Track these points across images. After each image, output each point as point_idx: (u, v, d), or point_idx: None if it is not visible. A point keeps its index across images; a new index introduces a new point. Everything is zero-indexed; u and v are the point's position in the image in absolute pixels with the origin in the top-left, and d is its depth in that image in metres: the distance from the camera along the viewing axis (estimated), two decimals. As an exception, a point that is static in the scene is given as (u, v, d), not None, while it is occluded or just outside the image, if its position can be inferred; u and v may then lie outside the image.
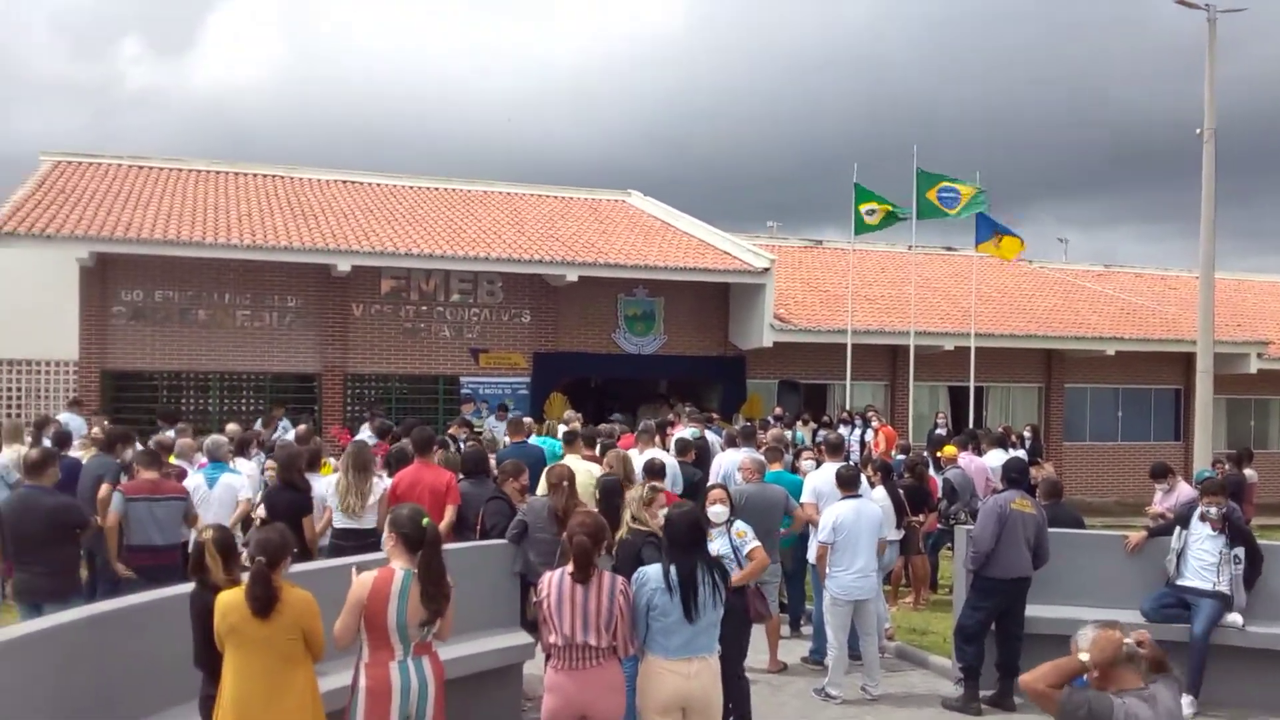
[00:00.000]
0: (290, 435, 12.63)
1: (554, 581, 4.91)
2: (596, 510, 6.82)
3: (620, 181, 23.36)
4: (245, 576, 4.54)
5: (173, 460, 9.07)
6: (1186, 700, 7.51)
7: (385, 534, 4.97)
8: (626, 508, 7.04)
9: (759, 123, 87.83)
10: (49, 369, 18.93)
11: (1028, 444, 16.78)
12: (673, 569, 4.97)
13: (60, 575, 6.91)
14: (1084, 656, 3.52)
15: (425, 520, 4.81)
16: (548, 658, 5.07)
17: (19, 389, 18.93)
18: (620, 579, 5.00)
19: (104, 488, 7.86)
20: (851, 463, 9.75)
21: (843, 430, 14.95)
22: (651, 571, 5.04)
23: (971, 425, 17.80)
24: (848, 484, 8.23)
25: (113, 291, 16.91)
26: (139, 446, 9.15)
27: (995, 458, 12.49)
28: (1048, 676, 3.54)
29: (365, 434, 11.74)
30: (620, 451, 8.79)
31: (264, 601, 4.40)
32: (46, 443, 9.11)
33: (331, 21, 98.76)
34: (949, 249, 27.13)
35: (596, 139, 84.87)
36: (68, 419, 13.13)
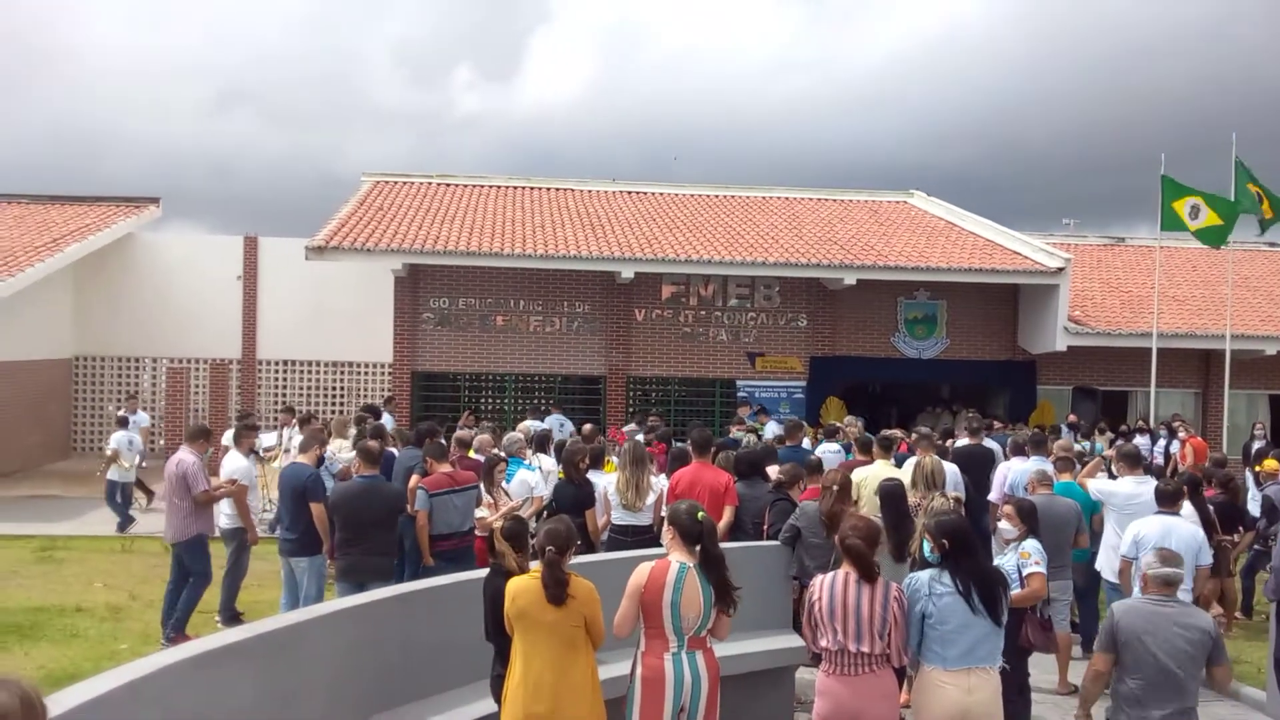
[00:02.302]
0: (566, 429, 13.50)
1: (826, 586, 4.91)
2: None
3: (910, 183, 22.85)
4: (533, 565, 4.85)
5: (471, 455, 9.79)
6: None
7: (664, 528, 5.15)
8: (922, 515, 6.91)
9: (1063, 114, 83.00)
10: (367, 370, 20.90)
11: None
12: (965, 573, 4.82)
13: (388, 556, 7.67)
14: None
15: (701, 514, 4.95)
16: (818, 660, 5.08)
17: (342, 388, 21.00)
18: (895, 585, 4.93)
19: (414, 479, 8.59)
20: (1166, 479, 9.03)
21: (1140, 441, 13.90)
22: (924, 577, 4.93)
23: (1297, 438, 16.09)
24: (1166, 500, 7.65)
25: (423, 299, 18.40)
26: (442, 440, 9.88)
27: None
28: None
29: (636, 434, 12.14)
30: (932, 459, 8.59)
31: (558, 589, 4.68)
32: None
33: (640, 36, 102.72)
34: (1272, 244, 24.62)
35: (884, 139, 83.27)
36: (384, 417, 14.44)
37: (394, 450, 10.36)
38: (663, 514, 8.02)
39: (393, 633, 5.34)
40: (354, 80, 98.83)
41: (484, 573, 5.42)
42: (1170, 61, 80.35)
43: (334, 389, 21.15)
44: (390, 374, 18.96)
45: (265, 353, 20.99)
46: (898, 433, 13.06)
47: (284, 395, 21.09)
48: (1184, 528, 7.59)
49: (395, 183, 21.86)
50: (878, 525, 5.16)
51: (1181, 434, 15.60)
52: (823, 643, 4.87)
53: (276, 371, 21.13)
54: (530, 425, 13.11)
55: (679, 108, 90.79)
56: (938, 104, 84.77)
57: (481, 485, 8.45)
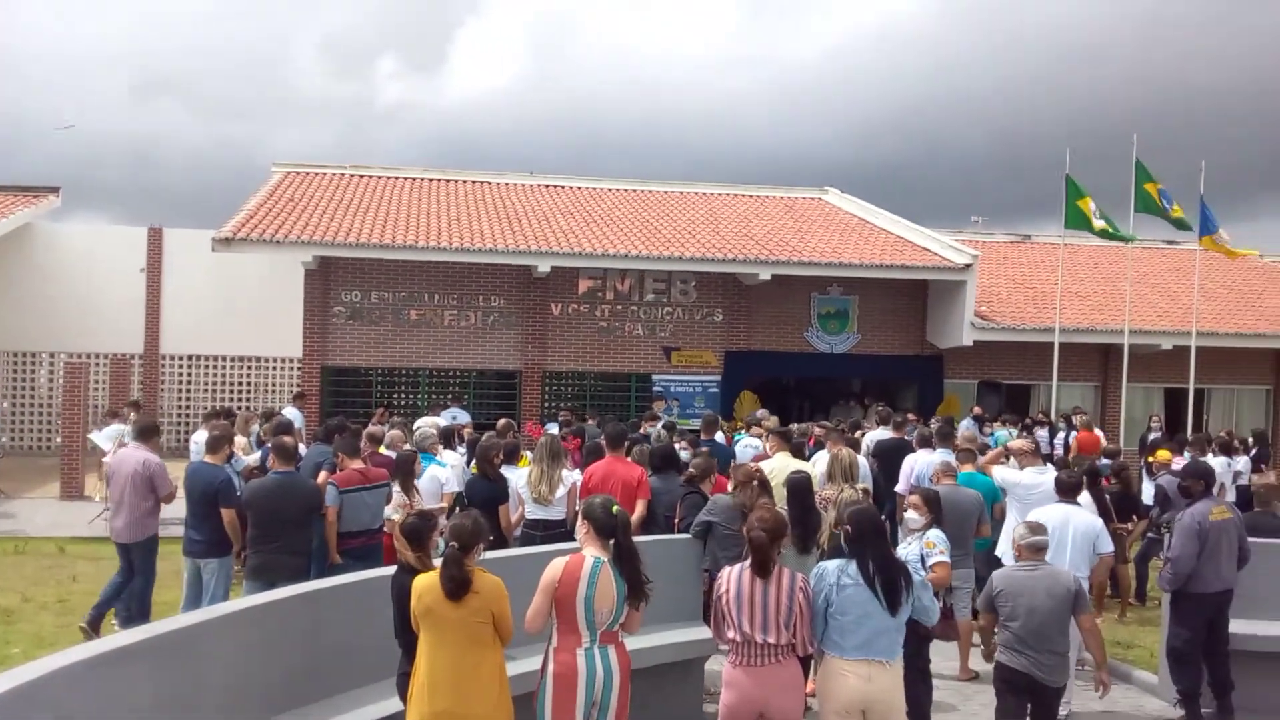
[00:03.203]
0: (461, 423, 13.50)
1: (732, 577, 4.96)
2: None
3: (836, 179, 23.24)
4: (438, 561, 4.82)
5: (382, 451, 9.66)
6: None
7: (578, 523, 5.16)
8: (834, 508, 7.03)
9: (982, 116, 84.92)
10: (276, 365, 20.50)
11: (1253, 450, 15.61)
12: (869, 562, 4.91)
13: (302, 555, 7.53)
14: None
15: (616, 508, 4.97)
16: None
17: (249, 383, 20.57)
18: (801, 576, 5.00)
19: (322, 475, 8.44)
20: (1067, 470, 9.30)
21: (1040, 433, 14.31)
22: (830, 566, 5.01)
23: (1190, 430, 16.72)
24: (1066, 490, 7.88)
25: (333, 293, 18.09)
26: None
27: (1217, 465, 11.69)
28: None
29: (553, 430, 12.16)
30: (848, 452, 8.72)
31: (456, 584, 4.65)
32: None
33: (572, 31, 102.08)
34: (1169, 243, 25.50)
35: (814, 136, 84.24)
36: (293, 413, 14.17)
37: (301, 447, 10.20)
38: (576, 508, 8.03)
39: (297, 632, 5.26)
40: (279, 70, 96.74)
41: (392, 570, 5.37)
42: (1083, 67, 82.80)
43: (241, 384, 20.71)
44: (300, 369, 18.61)
45: (169, 347, 20.46)
46: (810, 426, 13.26)
47: (189, 391, 20.59)
48: (1083, 516, 7.84)
49: (307, 174, 21.44)
50: (784, 518, 5.23)
51: (1077, 425, 16.09)
52: (729, 634, 4.92)
53: (181, 367, 20.61)
54: (431, 421, 13.03)
55: (610, 103, 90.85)
56: (865, 103, 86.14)
57: (397, 483, 8.36)
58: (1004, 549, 8.62)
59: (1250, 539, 7.55)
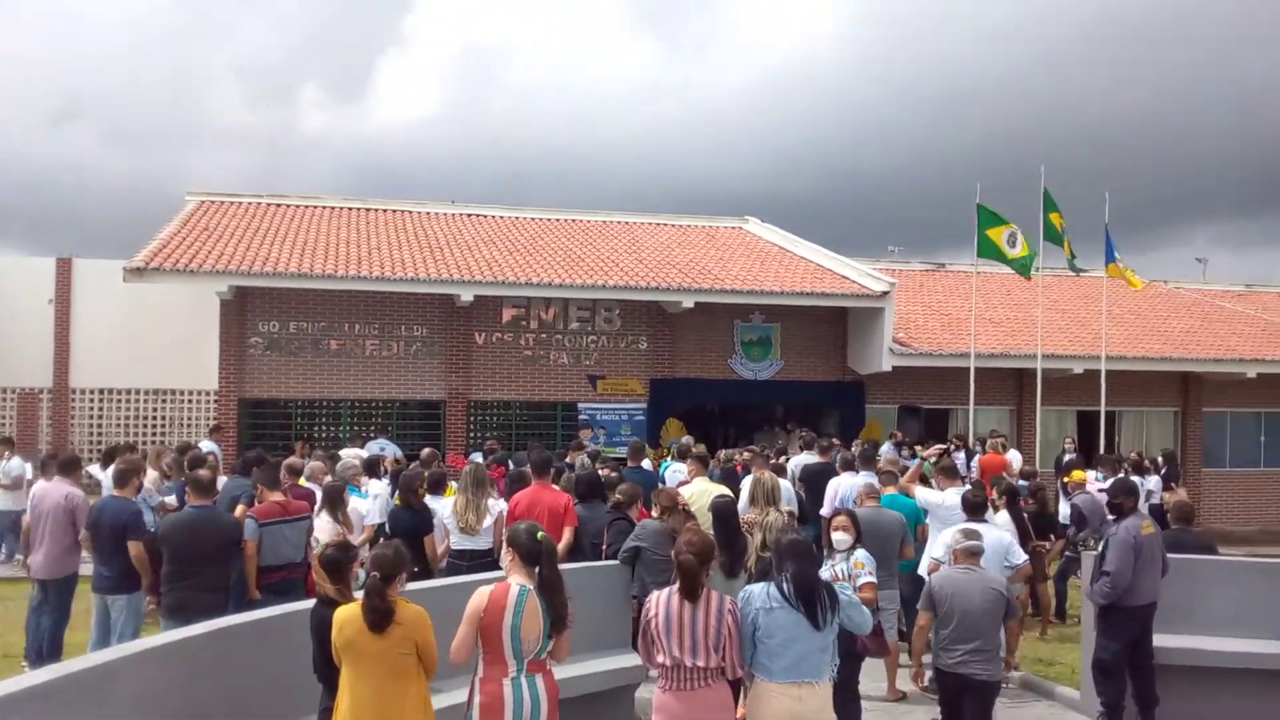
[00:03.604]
0: (389, 454, 13.34)
1: (661, 601, 4.94)
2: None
3: (756, 210, 23.52)
4: (359, 593, 4.72)
5: (302, 483, 9.46)
6: None
7: (503, 550, 5.09)
8: (761, 531, 7.05)
9: (897, 149, 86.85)
10: (191, 398, 19.99)
11: (1163, 470, 16.10)
12: (788, 582, 4.93)
13: (220, 591, 7.27)
14: None
15: (541, 535, 4.92)
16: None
17: (164, 418, 20.02)
18: (729, 599, 5.00)
19: (240, 508, 8.23)
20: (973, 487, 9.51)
21: (958, 456, 14.57)
22: (756, 590, 5.02)
23: (1102, 451, 17.17)
24: (974, 509, 8.04)
25: (250, 323, 17.71)
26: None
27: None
28: None
29: (478, 459, 12.05)
30: (770, 475, 8.81)
31: (377, 616, 4.56)
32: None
33: (495, 62, 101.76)
34: (1080, 270, 26.26)
35: (735, 167, 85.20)
36: (210, 447, 13.82)
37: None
38: (503, 537, 7.94)
39: (211, 670, 5.08)
40: (197, 98, 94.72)
41: (311, 604, 5.24)
42: (994, 101, 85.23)
43: (155, 419, 20.11)
44: (216, 402, 18.16)
45: (80, 381, 19.80)
46: (736, 453, 13.35)
47: (100, 426, 19.94)
48: (990, 533, 8.01)
49: (222, 203, 21.02)
50: (712, 541, 5.23)
51: (979, 450, 16.40)
52: (659, 659, 4.89)
53: (92, 401, 19.95)
54: (353, 452, 12.84)
55: (533, 133, 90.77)
56: (784, 135, 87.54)
57: (326, 513, 8.19)
58: (925, 570, 8.73)
59: (1172, 555, 7.77)
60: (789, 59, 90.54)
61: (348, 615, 4.64)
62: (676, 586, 4.93)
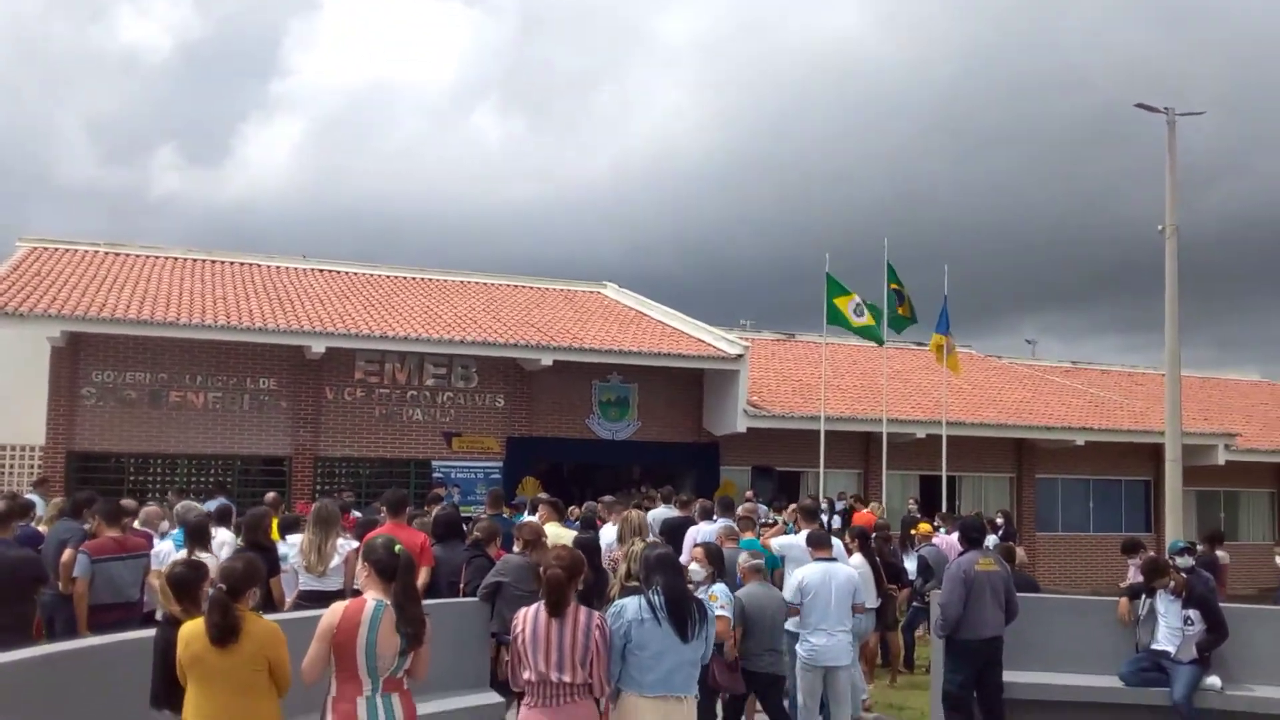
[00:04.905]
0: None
1: (529, 617, 4.82)
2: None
3: (617, 284, 23.72)
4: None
5: (137, 527, 8.92)
6: None
7: (359, 565, 4.89)
8: (623, 562, 7.00)
9: (758, 230, 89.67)
10: (14, 453, 18.66)
11: (1000, 530, 16.76)
12: (659, 593, 4.89)
13: (15, 631, 6.56)
14: None
15: (398, 548, 4.74)
16: (519, 697, 4.95)
17: (-17, 472, 18.61)
18: (597, 614, 4.92)
19: (67, 553, 7.67)
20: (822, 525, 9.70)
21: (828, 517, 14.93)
22: (629, 603, 4.96)
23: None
24: (818, 544, 8.17)
25: (83, 372, 16.77)
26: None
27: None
28: None
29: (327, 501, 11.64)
30: (638, 512, 8.78)
31: (222, 629, 4.29)
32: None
33: (355, 129, 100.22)
34: (919, 344, 27.45)
35: (598, 244, 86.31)
36: (34, 499, 12.90)
37: (42, 529, 9.30)
38: (355, 583, 7.64)
39: (35, 701, 4.68)
40: (39, 153, 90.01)
41: (149, 631, 4.92)
42: (844, 190, 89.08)
43: (-30, 475, 18.71)
44: (42, 456, 17.03)
45: (-114, 434, 18.29)
46: (595, 505, 13.26)
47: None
48: (841, 570, 8.14)
49: (56, 249, 19.97)
50: (582, 557, 5.14)
51: (844, 505, 16.86)
52: (525, 675, 4.75)
53: (-101, 455, 18.44)
54: (189, 504, 12.21)
55: (395, 206, 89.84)
56: (645, 213, 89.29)
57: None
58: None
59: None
60: (652, 140, 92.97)
61: (194, 631, 4.36)
62: (543, 603, 4.82)
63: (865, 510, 15.83)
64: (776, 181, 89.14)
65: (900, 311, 18.75)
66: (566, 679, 4.70)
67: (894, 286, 18.76)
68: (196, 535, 7.58)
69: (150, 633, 5.14)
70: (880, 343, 19.31)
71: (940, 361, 19.42)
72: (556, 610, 4.77)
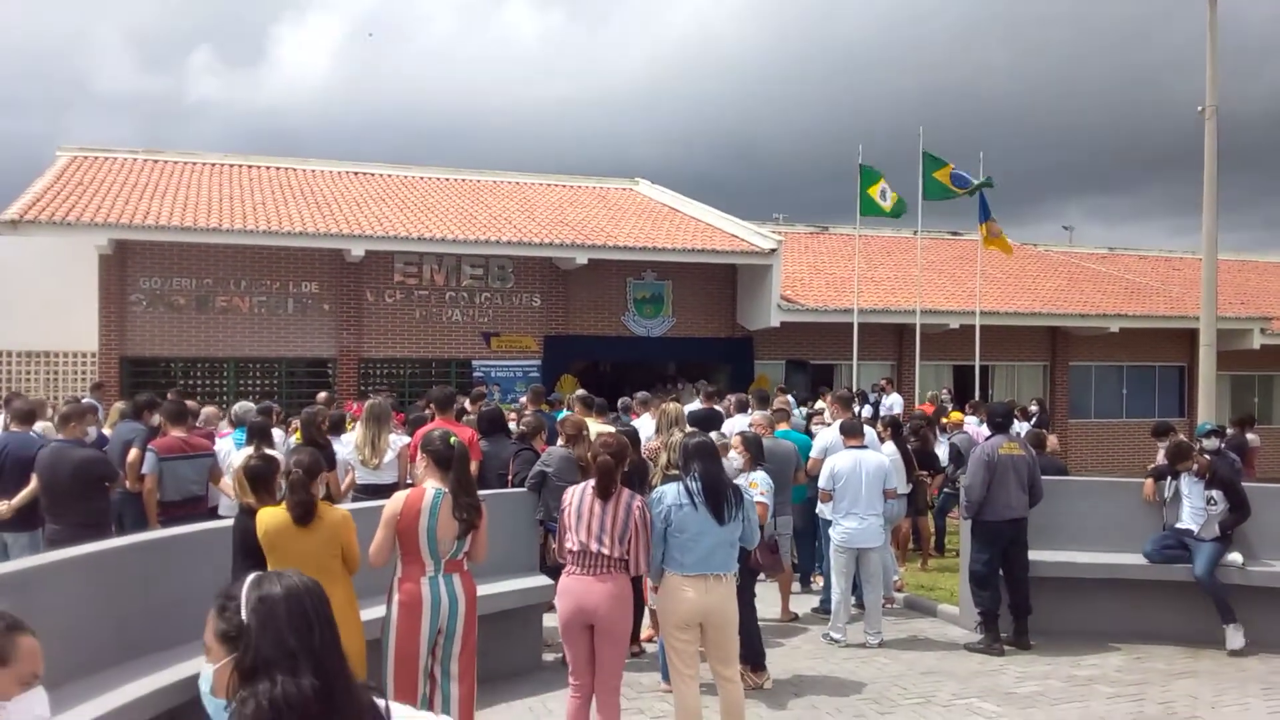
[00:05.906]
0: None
1: (577, 493, 5.17)
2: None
3: (655, 180, 23.67)
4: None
5: (198, 426, 9.34)
6: (1230, 628, 7.78)
7: (418, 457, 5.22)
8: (663, 452, 7.30)
9: (791, 123, 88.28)
10: (68, 359, 19.26)
11: (1034, 418, 16.98)
12: (696, 479, 5.19)
13: (92, 528, 6.97)
14: None
15: (454, 439, 5.05)
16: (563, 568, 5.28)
17: (41, 380, 19.25)
18: (639, 497, 5.23)
19: (133, 452, 8.07)
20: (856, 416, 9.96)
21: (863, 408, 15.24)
22: (668, 489, 5.27)
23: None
24: (850, 433, 8.46)
25: (131, 279, 17.20)
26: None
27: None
28: None
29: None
30: (675, 404, 9.01)
31: (303, 508, 4.65)
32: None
33: (390, 29, 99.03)
34: (954, 233, 27.33)
35: (637, 139, 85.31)
36: (92, 402, 13.42)
37: (105, 432, 9.75)
38: (408, 469, 8.04)
39: (130, 582, 5.10)
40: (76, 63, 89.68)
41: (228, 522, 5.29)
42: (883, 79, 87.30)
43: (27, 383, 19.35)
44: (96, 362, 17.59)
45: (-56, 344, 18.92)
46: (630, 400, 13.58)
47: (-31, 388, 19.09)
48: (872, 458, 8.45)
49: (97, 158, 20.26)
50: (627, 442, 5.44)
51: (888, 394, 17.15)
52: (569, 545, 5.11)
53: (-41, 364, 19.09)
54: (246, 405, 12.66)
55: (429, 102, 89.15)
56: (678, 107, 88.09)
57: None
58: (822, 507, 9.05)
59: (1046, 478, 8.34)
60: (687, 33, 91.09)
61: (272, 515, 4.72)
62: (592, 483, 5.14)
63: (925, 401, 16.20)
64: (814, 74, 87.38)
65: (936, 176, 18.27)
66: (605, 551, 5.04)
67: (938, 174, 18.43)
68: (260, 433, 7.95)
69: (220, 524, 5.54)
70: (899, 215, 18.86)
71: (987, 247, 19.21)
72: (604, 494, 5.09)
